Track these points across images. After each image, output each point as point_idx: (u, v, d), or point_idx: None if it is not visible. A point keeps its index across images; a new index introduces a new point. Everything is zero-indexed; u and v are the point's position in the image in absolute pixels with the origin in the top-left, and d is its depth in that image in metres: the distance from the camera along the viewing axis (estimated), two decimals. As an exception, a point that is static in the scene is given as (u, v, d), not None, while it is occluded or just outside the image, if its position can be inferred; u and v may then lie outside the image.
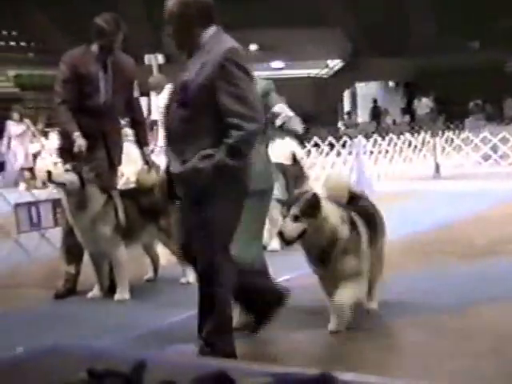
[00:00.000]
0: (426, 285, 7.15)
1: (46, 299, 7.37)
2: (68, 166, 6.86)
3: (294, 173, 9.47)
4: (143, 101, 37.49)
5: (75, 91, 7.20)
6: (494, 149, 18.62)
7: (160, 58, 24.97)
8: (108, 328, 6.14)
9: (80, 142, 7.02)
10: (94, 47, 7.26)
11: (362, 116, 39.45)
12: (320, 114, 32.94)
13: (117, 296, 7.02)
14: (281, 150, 9.16)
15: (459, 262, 8.27)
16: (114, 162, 7.45)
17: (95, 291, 7.21)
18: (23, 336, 5.90)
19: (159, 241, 7.70)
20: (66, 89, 7.23)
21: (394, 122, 36.19)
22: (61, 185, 6.95)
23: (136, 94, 7.92)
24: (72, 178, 6.80)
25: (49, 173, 7.13)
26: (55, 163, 12.73)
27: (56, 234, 8.47)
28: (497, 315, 6.10)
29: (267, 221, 6.66)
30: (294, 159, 9.43)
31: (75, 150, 7.00)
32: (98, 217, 6.95)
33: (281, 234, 5.47)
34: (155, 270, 7.89)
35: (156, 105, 9.23)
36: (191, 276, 6.70)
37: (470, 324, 5.91)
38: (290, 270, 7.35)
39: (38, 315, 6.85)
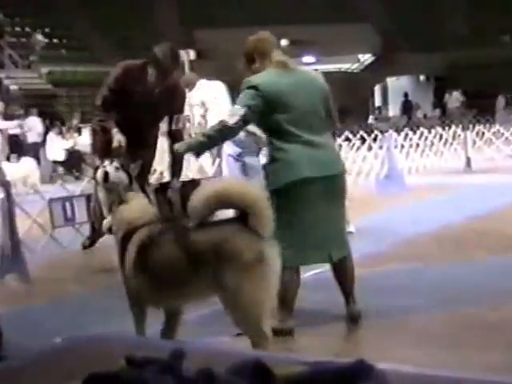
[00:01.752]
0: (457, 277, 7.15)
1: (81, 293, 7.48)
2: (116, 164, 6.87)
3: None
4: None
5: (122, 101, 7.35)
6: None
7: (192, 54, 25.12)
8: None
9: (119, 138, 7.14)
10: (151, 70, 7.43)
11: (393, 110, 39.35)
12: (352, 109, 32.88)
13: None
14: None
15: (492, 254, 8.25)
16: (150, 158, 7.59)
17: None
18: (62, 327, 5.97)
19: None
20: (112, 97, 7.39)
21: (425, 116, 36.05)
22: (114, 184, 6.93)
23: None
24: (124, 176, 6.81)
25: (106, 173, 7.17)
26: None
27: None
28: None
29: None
30: None
31: (115, 144, 7.12)
32: None
33: None
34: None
35: (188, 101, 9.35)
36: None
37: (502, 317, 5.91)
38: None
39: (73, 307, 6.96)
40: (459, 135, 19.29)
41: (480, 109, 30.32)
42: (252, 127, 6.64)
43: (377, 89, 41.24)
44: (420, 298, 6.32)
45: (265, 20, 26.22)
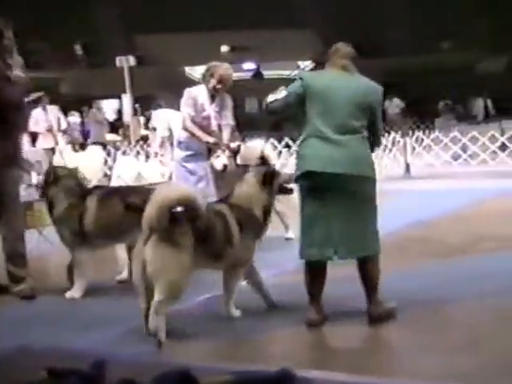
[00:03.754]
0: (399, 283, 7.19)
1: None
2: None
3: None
4: (114, 103, 37.05)
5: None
6: (464, 148, 18.77)
7: (131, 60, 24.91)
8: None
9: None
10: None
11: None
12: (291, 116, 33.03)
13: None
14: (250, 151, 9.27)
15: (432, 260, 8.39)
16: None
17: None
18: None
19: None
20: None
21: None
22: None
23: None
24: None
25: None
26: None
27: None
28: (470, 313, 6.22)
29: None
30: (263, 160, 9.45)
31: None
32: None
33: None
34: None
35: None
36: None
37: (443, 320, 6.04)
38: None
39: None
40: (399, 141, 19.50)
41: (420, 115, 30.72)
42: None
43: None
44: (360, 303, 6.35)
45: (205, 25, 26.24)
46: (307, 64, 39.83)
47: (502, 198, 12.99)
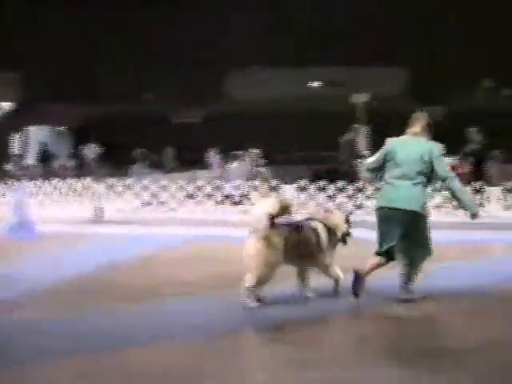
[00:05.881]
0: (73, 327, 7.62)
1: None
2: None
3: None
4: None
5: None
6: (154, 195, 19.48)
7: None
8: None
9: None
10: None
11: (32, 159, 39.29)
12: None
13: None
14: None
15: (119, 303, 8.81)
16: None
17: None
18: None
19: None
20: None
21: (64, 166, 36.41)
22: None
23: None
24: None
25: None
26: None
27: None
28: (151, 357, 6.69)
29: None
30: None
31: None
32: None
33: None
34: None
35: None
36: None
37: (116, 365, 6.44)
38: None
39: None
40: (93, 186, 19.81)
41: (115, 161, 31.22)
42: None
43: (17, 137, 40.95)
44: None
45: None
46: (9, 104, 39.17)
47: (189, 245, 13.82)
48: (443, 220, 15.38)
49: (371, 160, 9.30)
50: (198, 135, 37.44)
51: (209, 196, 18.91)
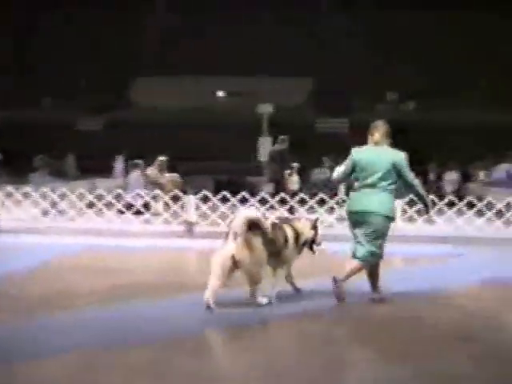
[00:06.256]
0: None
1: None
2: None
3: None
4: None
5: None
6: (53, 204, 19.02)
7: None
8: None
9: None
10: None
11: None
12: None
13: None
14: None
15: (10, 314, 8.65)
16: None
17: None
18: None
19: None
20: None
21: None
22: None
23: None
24: None
25: None
26: None
27: None
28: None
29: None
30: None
31: None
32: None
33: None
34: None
35: None
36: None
37: None
38: None
39: None
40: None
41: (14, 169, 30.49)
42: None
43: None
44: None
45: None
46: None
47: (88, 254, 13.61)
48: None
49: (340, 170, 9.83)
50: (99, 143, 37.00)
51: (109, 205, 18.55)
